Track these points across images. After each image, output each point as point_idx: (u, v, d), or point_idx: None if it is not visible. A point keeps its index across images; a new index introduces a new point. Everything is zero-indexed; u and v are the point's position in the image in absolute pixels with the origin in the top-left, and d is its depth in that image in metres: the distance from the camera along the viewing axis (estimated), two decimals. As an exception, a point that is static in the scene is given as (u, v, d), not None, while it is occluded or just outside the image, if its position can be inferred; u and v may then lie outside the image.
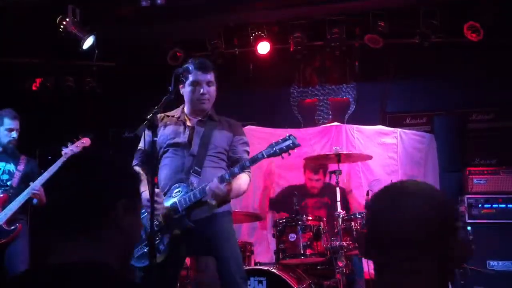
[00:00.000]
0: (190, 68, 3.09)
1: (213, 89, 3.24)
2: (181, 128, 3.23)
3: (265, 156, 3.00)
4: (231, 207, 3.28)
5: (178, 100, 3.26)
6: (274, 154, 2.99)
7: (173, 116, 3.30)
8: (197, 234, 3.05)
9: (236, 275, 3.03)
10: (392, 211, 1.31)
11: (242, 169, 3.01)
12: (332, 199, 4.70)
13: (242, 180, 3.14)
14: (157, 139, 2.78)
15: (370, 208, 1.41)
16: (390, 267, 1.30)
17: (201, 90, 3.17)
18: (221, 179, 2.94)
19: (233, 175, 2.99)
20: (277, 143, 3.01)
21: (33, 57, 6.74)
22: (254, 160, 3.02)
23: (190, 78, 3.15)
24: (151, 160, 2.89)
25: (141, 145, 3.28)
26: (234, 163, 3.14)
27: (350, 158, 4.82)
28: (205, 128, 3.22)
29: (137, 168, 3.20)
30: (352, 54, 6.38)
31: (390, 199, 1.35)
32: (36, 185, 4.16)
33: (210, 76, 3.21)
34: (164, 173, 3.18)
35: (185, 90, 3.22)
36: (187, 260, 4.33)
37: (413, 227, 1.27)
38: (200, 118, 3.25)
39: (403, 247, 1.27)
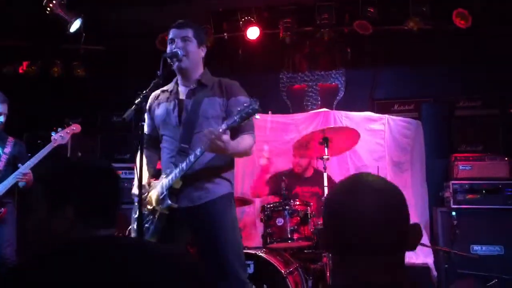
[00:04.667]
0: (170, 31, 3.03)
1: (190, 45, 3.03)
2: (172, 105, 3.06)
3: (237, 121, 2.70)
4: (232, 188, 3.10)
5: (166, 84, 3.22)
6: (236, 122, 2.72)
7: (167, 91, 3.13)
8: (195, 222, 2.95)
9: (236, 263, 2.89)
10: (349, 210, 1.23)
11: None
12: (322, 188, 4.70)
13: (243, 139, 2.93)
14: (144, 123, 2.74)
15: (326, 205, 1.32)
16: (347, 265, 1.25)
17: (173, 46, 3.00)
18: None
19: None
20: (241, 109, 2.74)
21: (19, 40, 6.66)
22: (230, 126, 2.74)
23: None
24: (141, 146, 2.64)
25: (146, 129, 3.14)
26: (234, 129, 2.85)
27: (338, 135, 4.65)
28: (193, 99, 3.01)
29: (146, 153, 3.11)
30: (342, 40, 6.38)
31: (348, 195, 1.26)
32: (24, 168, 4.12)
33: (186, 32, 3.03)
34: (163, 156, 3.10)
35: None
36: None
37: (372, 229, 1.20)
38: (190, 87, 3.07)
39: (360, 250, 1.22)
